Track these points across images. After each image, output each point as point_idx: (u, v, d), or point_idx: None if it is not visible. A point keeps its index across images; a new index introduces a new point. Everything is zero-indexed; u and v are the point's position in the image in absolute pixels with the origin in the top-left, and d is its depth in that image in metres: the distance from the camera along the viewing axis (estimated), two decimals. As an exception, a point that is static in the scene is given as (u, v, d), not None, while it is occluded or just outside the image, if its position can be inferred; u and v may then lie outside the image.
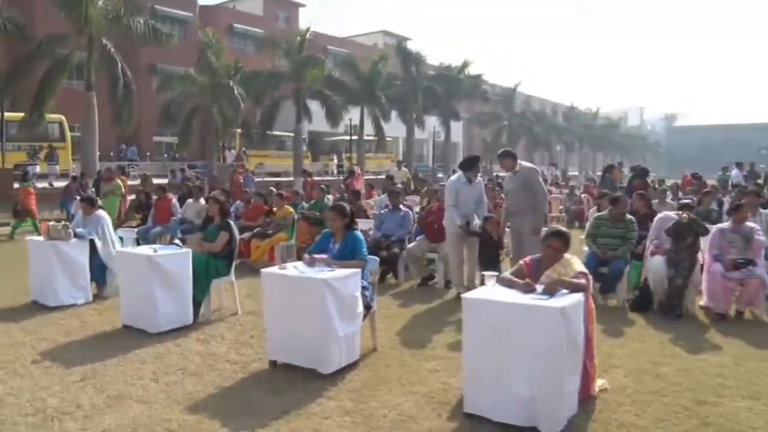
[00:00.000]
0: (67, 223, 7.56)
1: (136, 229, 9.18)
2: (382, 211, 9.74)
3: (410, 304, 7.83)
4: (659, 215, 8.11)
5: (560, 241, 4.76)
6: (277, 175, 31.11)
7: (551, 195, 16.97)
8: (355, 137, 33.01)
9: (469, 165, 8.09)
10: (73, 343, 6.04)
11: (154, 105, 27.29)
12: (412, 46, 37.78)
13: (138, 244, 8.74)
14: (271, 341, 5.36)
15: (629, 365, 5.47)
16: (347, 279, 5.22)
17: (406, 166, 27.12)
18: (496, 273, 4.76)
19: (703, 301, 7.59)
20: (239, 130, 28.88)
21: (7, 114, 20.66)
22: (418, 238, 9.27)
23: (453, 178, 7.99)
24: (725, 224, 7.88)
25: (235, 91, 22.79)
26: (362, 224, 10.28)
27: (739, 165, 21.64)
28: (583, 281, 4.55)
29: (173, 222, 11.25)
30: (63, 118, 24.80)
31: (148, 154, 33.23)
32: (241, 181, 20.18)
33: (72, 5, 17.98)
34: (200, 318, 6.75)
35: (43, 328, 6.54)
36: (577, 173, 56.22)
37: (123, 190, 14.57)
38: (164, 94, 26.43)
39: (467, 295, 4.47)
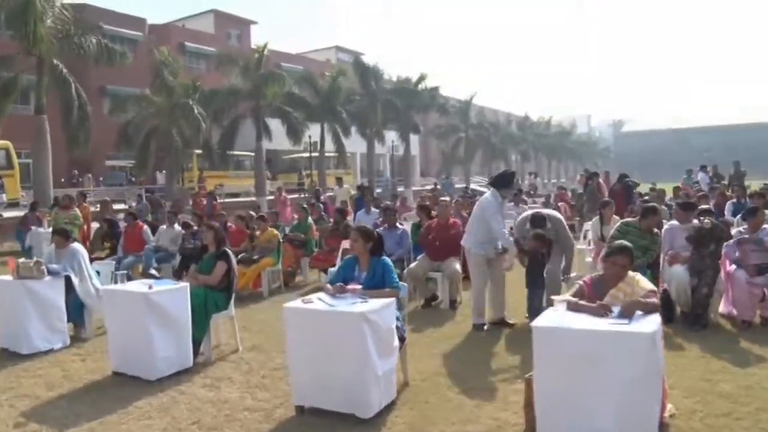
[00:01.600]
0: (40, 260, 6.73)
1: (113, 262, 8.35)
2: (378, 231, 9.15)
3: (422, 327, 7.29)
4: (666, 226, 7.81)
5: (627, 258, 4.31)
6: (237, 195, 30.21)
7: (526, 206, 16.76)
8: (314, 154, 32.34)
9: (505, 182, 7.33)
10: (59, 398, 5.26)
11: (107, 128, 26.07)
12: (366, 60, 37.41)
13: (115, 277, 7.98)
14: (298, 384, 4.72)
15: (683, 384, 5.07)
16: (383, 311, 4.65)
17: (369, 181, 26.60)
18: (567, 298, 4.25)
19: (722, 308, 7.32)
20: (197, 151, 27.90)
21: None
22: (419, 257, 8.74)
23: (488, 197, 7.19)
24: (741, 229, 7.67)
25: (195, 111, 21.89)
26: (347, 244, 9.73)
27: (704, 168, 21.86)
28: (655, 300, 4.11)
29: (147, 250, 10.42)
30: (9, 144, 23.38)
31: (101, 179, 31.79)
32: (204, 203, 19.35)
33: (19, 24, 16.86)
34: (198, 358, 6.05)
35: (19, 381, 5.73)
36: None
37: (81, 219, 13.48)
38: (117, 116, 25.35)
39: (539, 324, 3.96)
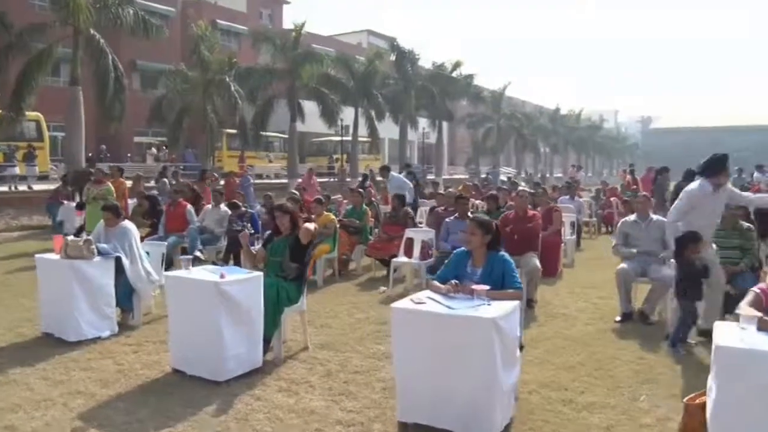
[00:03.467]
0: (89, 239, 6.06)
1: (164, 243, 7.67)
2: (447, 220, 8.42)
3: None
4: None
5: None
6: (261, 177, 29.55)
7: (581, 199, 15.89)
8: (347, 138, 31.58)
9: (719, 167, 6.02)
10: (117, 398, 4.58)
11: (136, 103, 25.53)
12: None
13: (169, 259, 7.33)
14: (404, 397, 4.01)
15: None
16: (510, 316, 3.92)
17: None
18: (757, 314, 3.47)
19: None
20: (229, 131, 27.23)
21: (-20, 112, 18.75)
22: (494, 250, 7.96)
23: (694, 186, 6.09)
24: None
25: (232, 88, 21.16)
26: (412, 233, 9.00)
27: (760, 168, 20.79)
28: None
29: (191, 231, 9.75)
30: (40, 116, 22.93)
31: (129, 155, 31.28)
32: (237, 182, 18.66)
33: (59, -8, 16.26)
34: (266, 356, 5.35)
35: (70, 374, 5.06)
36: (561, 175, 55.67)
37: (114, 194, 12.73)
38: (147, 92, 24.77)
39: (723, 344, 3.21)
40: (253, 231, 9.71)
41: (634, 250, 6.97)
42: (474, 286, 4.10)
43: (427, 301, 4.04)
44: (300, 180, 20.11)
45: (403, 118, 32.65)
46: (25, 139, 22.51)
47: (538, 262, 7.71)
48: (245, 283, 4.94)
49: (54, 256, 6.18)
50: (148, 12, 31.30)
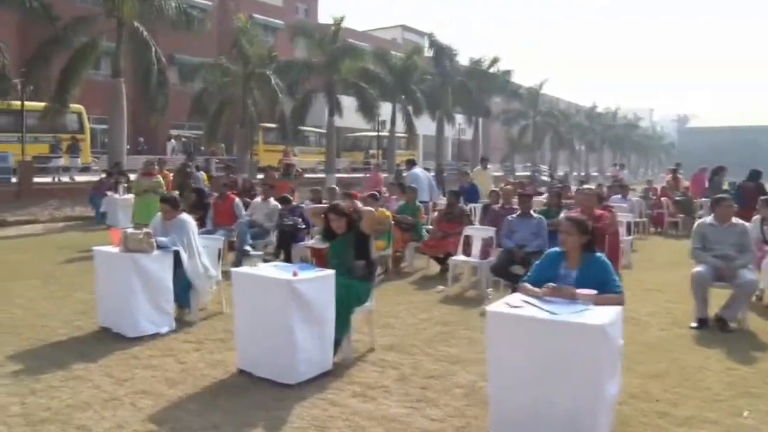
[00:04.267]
0: (149, 231, 5.86)
1: (221, 237, 7.46)
2: (510, 218, 8.08)
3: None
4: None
5: None
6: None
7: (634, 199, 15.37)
8: (382, 133, 31.31)
9: None
10: (187, 399, 4.36)
11: (174, 97, 25.53)
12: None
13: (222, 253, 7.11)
14: (498, 408, 3.73)
15: None
16: (616, 324, 3.61)
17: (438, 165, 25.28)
18: None
19: None
20: (263, 125, 27.11)
21: (27, 103, 18.88)
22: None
23: None
24: None
25: (273, 81, 21.02)
26: (472, 231, 8.68)
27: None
28: None
29: (240, 225, 9.55)
30: (82, 108, 23.08)
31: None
32: (277, 177, 18.49)
33: (105, -16, 16.27)
34: (334, 359, 5.08)
35: (133, 372, 4.87)
36: (597, 174, 54.72)
37: (164, 187, 12.67)
38: (185, 86, 24.76)
39: None
40: (304, 226, 9.50)
41: (719, 261, 6.54)
42: (579, 291, 3.79)
43: (524, 305, 3.74)
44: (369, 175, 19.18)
45: (440, 113, 32.24)
46: (67, 131, 22.68)
47: (607, 264, 7.34)
48: (318, 281, 4.68)
49: (112, 249, 6.01)
50: (186, 5, 31.59)
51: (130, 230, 5.84)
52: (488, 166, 17.16)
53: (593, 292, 3.78)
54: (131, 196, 15.52)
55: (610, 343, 3.49)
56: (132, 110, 21.48)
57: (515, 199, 8.93)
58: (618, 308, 3.78)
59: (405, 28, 51.92)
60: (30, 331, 5.96)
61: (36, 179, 18.45)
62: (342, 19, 25.26)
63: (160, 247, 5.93)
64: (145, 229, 5.84)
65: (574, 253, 4.20)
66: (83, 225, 16.00)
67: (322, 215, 5.50)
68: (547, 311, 3.60)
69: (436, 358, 5.37)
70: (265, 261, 9.40)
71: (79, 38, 17.83)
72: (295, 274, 4.55)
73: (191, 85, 25.96)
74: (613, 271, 4.10)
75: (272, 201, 10.00)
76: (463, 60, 36.92)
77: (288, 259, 9.26)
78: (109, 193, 15.61)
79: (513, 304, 3.77)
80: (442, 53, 31.43)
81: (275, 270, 4.83)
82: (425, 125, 35.31)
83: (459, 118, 37.63)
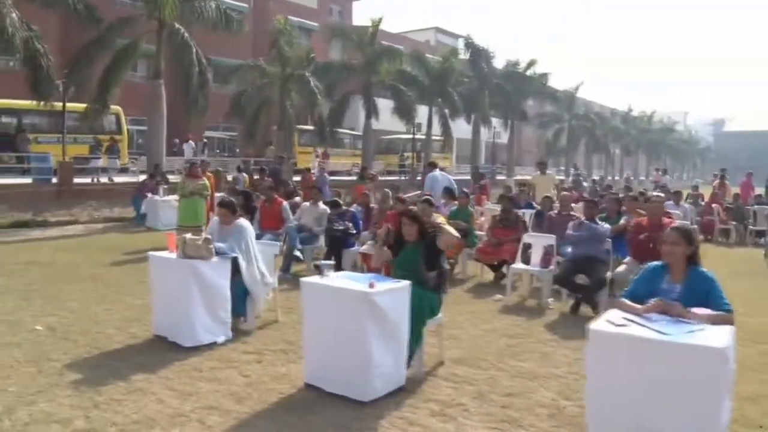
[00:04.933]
0: (209, 237, 5.64)
1: (278, 243, 7.25)
2: (574, 225, 7.72)
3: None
4: None
5: None
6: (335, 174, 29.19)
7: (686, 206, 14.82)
8: (417, 136, 31.03)
9: None
10: (255, 416, 4.11)
11: (209, 98, 25.62)
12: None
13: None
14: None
15: None
16: (733, 347, 3.28)
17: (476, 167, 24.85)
18: None
19: None
20: (298, 126, 26.99)
21: (69, 105, 18.98)
22: (626, 260, 7.24)
23: None
24: None
25: (312, 83, 20.86)
26: (531, 239, 8.34)
27: None
28: None
29: (288, 229, 9.34)
30: (120, 109, 23.20)
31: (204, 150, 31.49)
32: (314, 179, 18.29)
33: (147, -15, 16.26)
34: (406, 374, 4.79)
35: (196, 385, 4.63)
36: (632, 178, 53.65)
37: (209, 189, 12.40)
38: (220, 88, 24.75)
39: None
40: (354, 231, 9.24)
41: None
42: (694, 310, 3.45)
43: (628, 324, 3.40)
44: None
45: (476, 116, 31.83)
46: (105, 132, 22.81)
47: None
48: (395, 293, 4.40)
49: (169, 255, 5.80)
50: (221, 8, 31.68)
51: (189, 236, 5.62)
52: (547, 170, 15.20)
53: (708, 311, 3.44)
54: (172, 197, 15.49)
55: (729, 366, 3.15)
56: (167, 111, 21.46)
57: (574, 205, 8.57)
58: (731, 328, 3.44)
59: (438, 30, 51.59)
60: (85, 337, 5.79)
61: (75, 180, 18.52)
62: (380, 20, 25.04)
63: (218, 253, 5.70)
64: (204, 235, 5.62)
65: (678, 265, 3.85)
66: (123, 226, 15.98)
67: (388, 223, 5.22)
68: (657, 331, 3.27)
69: (510, 373, 5.06)
70: (317, 267, 9.22)
71: (121, 40, 17.86)
72: (371, 286, 4.27)
73: (227, 87, 25.99)
74: (720, 287, 3.74)
75: (321, 205, 9.77)
76: (497, 62, 36.57)
77: (339, 266, 9.01)
78: (149, 194, 15.58)
79: (616, 323, 3.44)
80: (479, 56, 31.02)
81: (349, 281, 4.55)
82: (459, 128, 34.96)
83: (494, 121, 37.20)
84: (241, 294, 5.96)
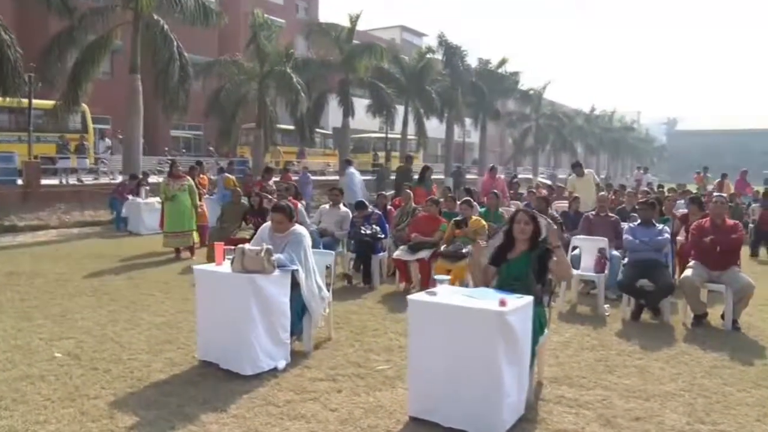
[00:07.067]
0: (269, 247, 4.89)
1: (332, 252, 6.51)
2: (631, 227, 7.24)
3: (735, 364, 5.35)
4: None
5: None
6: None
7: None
8: (392, 135, 30.46)
9: None
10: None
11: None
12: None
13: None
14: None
15: None
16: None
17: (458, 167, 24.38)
18: None
19: None
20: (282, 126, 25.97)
21: (35, 101, 17.68)
22: (692, 263, 6.79)
23: None
24: None
25: (294, 80, 19.96)
26: (581, 242, 7.84)
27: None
28: None
29: (311, 234, 8.58)
30: (86, 107, 21.87)
31: (166, 149, 30.20)
32: (294, 179, 17.47)
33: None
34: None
35: (282, 425, 3.91)
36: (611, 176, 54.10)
37: (196, 190, 11.50)
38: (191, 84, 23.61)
39: None
40: (382, 235, 8.57)
41: None
42: None
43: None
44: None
45: (449, 115, 31.40)
46: (70, 130, 21.44)
47: (751, 279, 6.54)
48: (523, 311, 3.79)
49: (219, 269, 5.04)
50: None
51: (247, 247, 4.86)
52: (585, 171, 12.66)
53: None
54: (154, 200, 14.52)
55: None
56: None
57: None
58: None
59: (404, 28, 51.05)
60: (117, 366, 4.98)
61: (42, 181, 17.28)
62: (358, 16, 24.27)
63: (279, 265, 4.98)
64: (265, 246, 4.87)
65: None
66: (101, 231, 14.92)
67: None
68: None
69: (619, 393, 4.58)
70: (346, 277, 8.53)
71: (93, 32, 16.69)
72: (503, 304, 3.63)
73: (195, 85, 24.83)
74: None
75: (342, 207, 9.08)
76: (468, 61, 36.15)
77: (367, 274, 8.35)
78: (130, 197, 14.57)
79: None
80: (453, 54, 30.57)
81: (469, 298, 3.89)
82: (428, 127, 34.43)
83: (466, 120, 36.82)
84: (298, 311, 5.24)
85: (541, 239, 4.49)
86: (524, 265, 4.42)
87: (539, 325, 4.30)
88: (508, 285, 4.33)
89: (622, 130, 66.53)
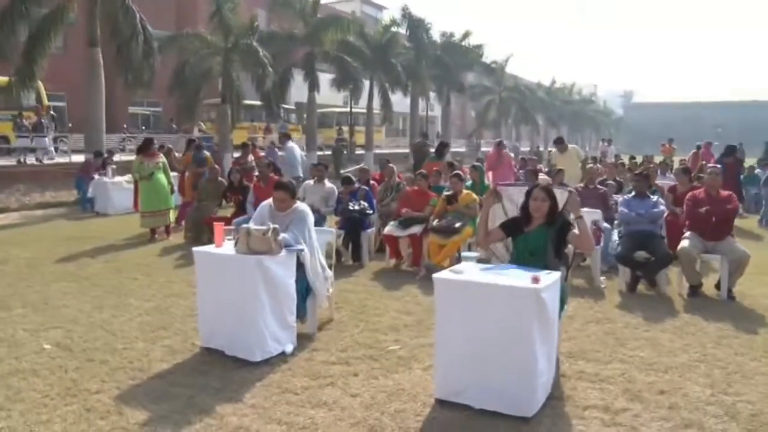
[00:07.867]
0: (276, 227, 4.64)
1: (332, 230, 6.27)
2: (625, 198, 7.21)
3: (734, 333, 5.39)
4: None
5: None
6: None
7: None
8: (356, 109, 30.05)
9: None
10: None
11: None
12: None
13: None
14: None
15: None
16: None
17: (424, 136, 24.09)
18: None
19: None
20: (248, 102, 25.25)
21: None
22: (688, 234, 6.80)
23: None
24: None
25: (261, 53, 19.36)
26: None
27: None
28: None
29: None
30: (40, 83, 20.84)
31: (125, 126, 29.16)
32: (262, 155, 17.05)
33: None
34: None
35: (306, 414, 3.74)
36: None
37: (169, 169, 11.06)
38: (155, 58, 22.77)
39: None
40: (370, 211, 8.38)
41: None
42: None
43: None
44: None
45: (414, 89, 31.10)
46: (23, 107, 20.43)
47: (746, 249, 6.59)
48: (554, 287, 3.66)
49: (221, 251, 4.79)
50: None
51: (253, 226, 4.61)
52: (569, 145, 12.39)
53: None
54: (122, 179, 14.00)
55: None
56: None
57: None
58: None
59: (364, 1, 50.23)
60: (114, 356, 4.72)
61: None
62: (323, -12, 23.67)
63: (285, 246, 4.75)
64: (271, 225, 4.62)
65: None
66: (67, 213, 14.33)
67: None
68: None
69: (637, 366, 4.56)
70: (336, 254, 8.31)
71: (48, 4, 15.84)
72: (536, 280, 3.50)
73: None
74: None
75: (327, 183, 8.84)
76: (435, 35, 35.82)
77: (356, 251, 8.17)
78: (96, 176, 14.00)
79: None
80: (417, 27, 30.18)
81: (500, 275, 3.74)
82: (394, 101, 34.11)
83: (430, 94, 36.55)
84: (303, 292, 5.04)
85: (560, 211, 4.38)
86: (542, 240, 4.29)
87: (561, 302, 4.20)
88: (524, 260, 4.22)
89: (581, 103, 67.24)
